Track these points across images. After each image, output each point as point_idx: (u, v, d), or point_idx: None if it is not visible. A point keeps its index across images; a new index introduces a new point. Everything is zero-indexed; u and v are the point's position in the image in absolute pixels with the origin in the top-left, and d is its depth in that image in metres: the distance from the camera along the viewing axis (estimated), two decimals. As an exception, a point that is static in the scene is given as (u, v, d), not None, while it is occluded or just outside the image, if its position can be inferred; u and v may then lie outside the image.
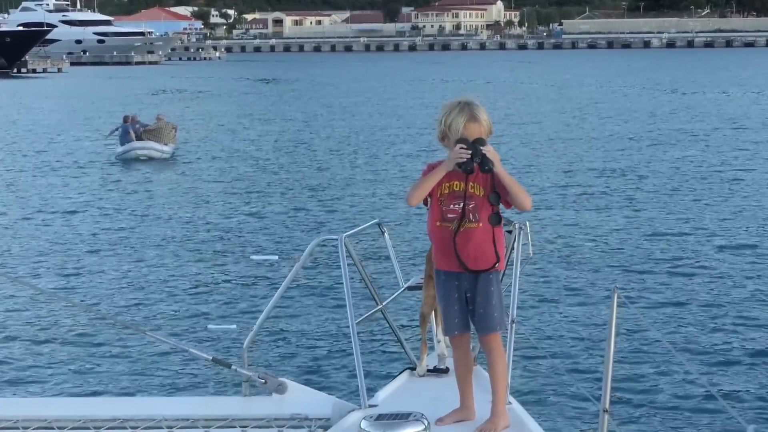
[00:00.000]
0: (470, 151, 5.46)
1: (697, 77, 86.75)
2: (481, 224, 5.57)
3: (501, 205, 5.63)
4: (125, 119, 35.15)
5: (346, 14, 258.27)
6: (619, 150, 37.00)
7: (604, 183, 28.89)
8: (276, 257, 14.59)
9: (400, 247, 18.05)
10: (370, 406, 5.73)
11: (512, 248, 6.15)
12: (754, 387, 12.15)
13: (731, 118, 48.38)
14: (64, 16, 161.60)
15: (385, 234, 6.94)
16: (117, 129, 35.51)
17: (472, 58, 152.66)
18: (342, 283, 6.03)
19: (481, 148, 5.48)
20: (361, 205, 25.88)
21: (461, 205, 5.55)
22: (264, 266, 18.08)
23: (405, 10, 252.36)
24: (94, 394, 12.05)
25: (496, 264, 5.60)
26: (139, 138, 34.23)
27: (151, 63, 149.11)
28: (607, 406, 4.08)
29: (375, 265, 16.67)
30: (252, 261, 17.94)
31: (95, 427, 5.95)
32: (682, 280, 17.26)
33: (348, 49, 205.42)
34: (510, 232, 6.19)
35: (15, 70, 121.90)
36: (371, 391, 5.99)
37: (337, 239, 6.09)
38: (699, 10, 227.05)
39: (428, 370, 6.35)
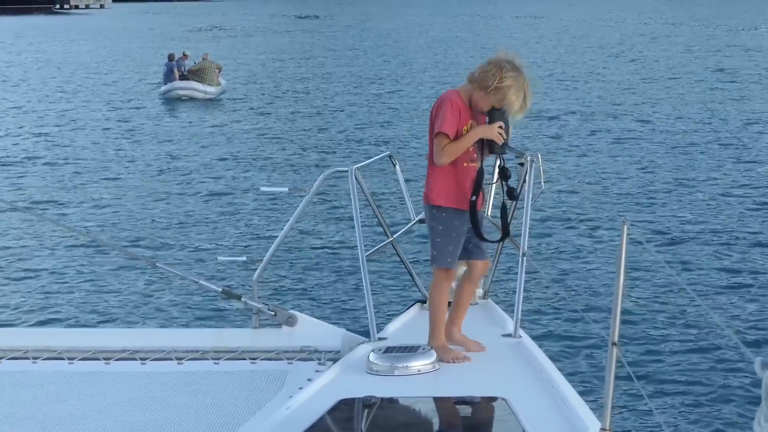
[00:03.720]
0: (504, 137, 5.50)
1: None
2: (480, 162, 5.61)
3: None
4: (170, 57, 34.33)
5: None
6: (635, 87, 36.84)
7: (619, 116, 28.76)
8: (286, 189, 14.45)
9: (411, 180, 17.98)
10: (380, 338, 5.72)
11: (524, 180, 6.08)
12: (765, 319, 12.16)
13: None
14: None
15: (397, 166, 6.87)
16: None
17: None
18: (352, 216, 5.98)
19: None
20: (373, 138, 25.83)
21: (479, 145, 5.55)
22: (274, 198, 18.06)
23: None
24: (104, 325, 12.09)
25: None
26: (183, 77, 33.65)
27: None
28: (616, 339, 4.05)
29: (386, 197, 16.66)
30: (262, 193, 17.92)
31: (105, 358, 5.96)
32: (693, 213, 17.22)
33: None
34: (522, 164, 6.12)
35: (57, 6, 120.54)
36: (381, 324, 5.97)
37: (347, 171, 6.03)
38: None
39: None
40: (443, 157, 5.45)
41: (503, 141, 5.50)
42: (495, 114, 5.48)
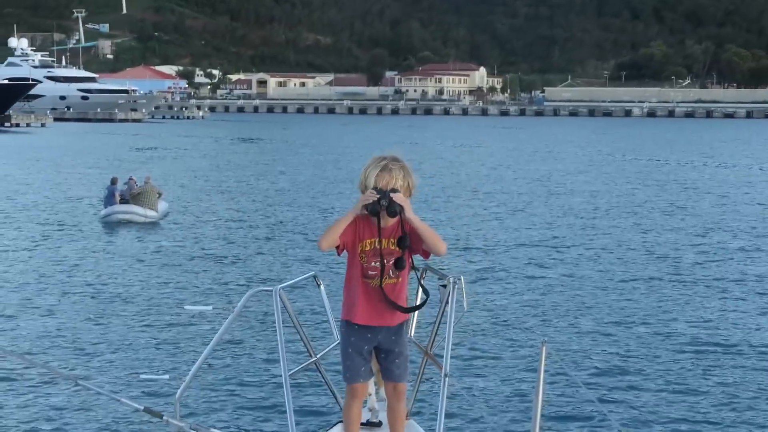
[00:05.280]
0: (378, 195, 5.60)
1: (675, 146, 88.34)
2: (400, 279, 5.67)
3: (419, 255, 5.74)
4: (112, 181, 34.21)
5: (330, 77, 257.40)
6: (561, 210, 37.49)
7: (545, 240, 29.17)
8: (210, 308, 14.47)
9: (335, 300, 17.98)
10: (301, 458, 5.73)
11: (446, 302, 6.17)
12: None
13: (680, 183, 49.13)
14: (49, 72, 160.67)
15: (321, 286, 6.94)
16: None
17: (453, 123, 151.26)
18: (276, 335, 6.01)
19: (391, 194, 5.61)
20: (300, 257, 25.91)
21: (380, 262, 5.62)
22: (198, 317, 17.98)
23: (389, 74, 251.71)
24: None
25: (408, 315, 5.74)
26: (124, 201, 33.50)
27: (134, 120, 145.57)
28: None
29: (310, 316, 16.67)
30: (186, 311, 17.84)
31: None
32: (611, 336, 17.45)
33: (331, 111, 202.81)
34: (445, 286, 6.22)
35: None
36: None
37: (271, 290, 6.08)
38: (680, 81, 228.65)
39: (362, 424, 6.32)
40: (319, 240, 5.68)
41: (380, 201, 5.64)
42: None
